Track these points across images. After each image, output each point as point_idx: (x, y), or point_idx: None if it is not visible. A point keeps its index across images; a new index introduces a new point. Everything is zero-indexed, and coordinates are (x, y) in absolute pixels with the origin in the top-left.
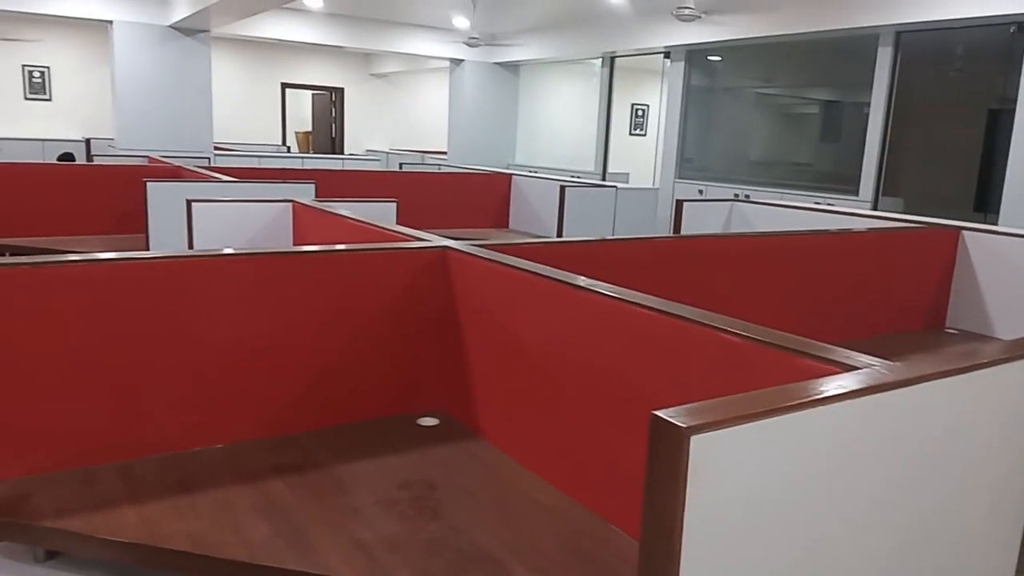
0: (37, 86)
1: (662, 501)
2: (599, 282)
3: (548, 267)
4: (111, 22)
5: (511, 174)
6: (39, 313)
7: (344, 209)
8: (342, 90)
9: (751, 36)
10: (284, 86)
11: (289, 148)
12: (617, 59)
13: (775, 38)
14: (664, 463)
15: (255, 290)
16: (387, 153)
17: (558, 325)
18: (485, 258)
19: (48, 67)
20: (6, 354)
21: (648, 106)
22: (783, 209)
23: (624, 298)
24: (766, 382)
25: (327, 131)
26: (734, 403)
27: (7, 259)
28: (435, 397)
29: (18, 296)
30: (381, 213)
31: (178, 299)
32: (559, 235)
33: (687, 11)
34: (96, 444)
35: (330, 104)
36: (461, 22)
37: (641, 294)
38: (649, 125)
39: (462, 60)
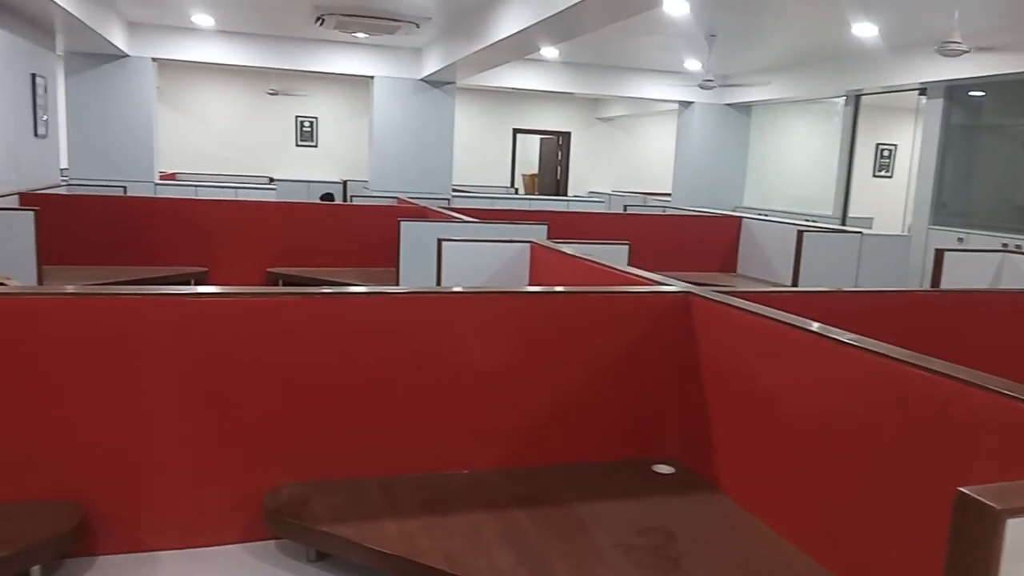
0: (306, 134)
1: None
2: (867, 339)
3: (806, 319)
4: (372, 77)
5: (741, 217)
6: (326, 338)
7: (579, 250)
8: (569, 134)
9: None
10: (515, 131)
11: (517, 190)
12: (863, 96)
13: None
14: (972, 547)
15: (502, 327)
16: (609, 195)
17: (816, 382)
18: (734, 306)
19: (316, 117)
20: (298, 373)
21: (895, 146)
22: None
23: (898, 358)
24: None
25: (552, 173)
26: None
27: (303, 289)
28: (670, 444)
29: (312, 323)
30: (613, 255)
31: (433, 331)
32: (794, 283)
33: (953, 46)
34: (362, 458)
35: (557, 147)
36: (693, 64)
37: (919, 355)
38: (896, 166)
39: (691, 102)
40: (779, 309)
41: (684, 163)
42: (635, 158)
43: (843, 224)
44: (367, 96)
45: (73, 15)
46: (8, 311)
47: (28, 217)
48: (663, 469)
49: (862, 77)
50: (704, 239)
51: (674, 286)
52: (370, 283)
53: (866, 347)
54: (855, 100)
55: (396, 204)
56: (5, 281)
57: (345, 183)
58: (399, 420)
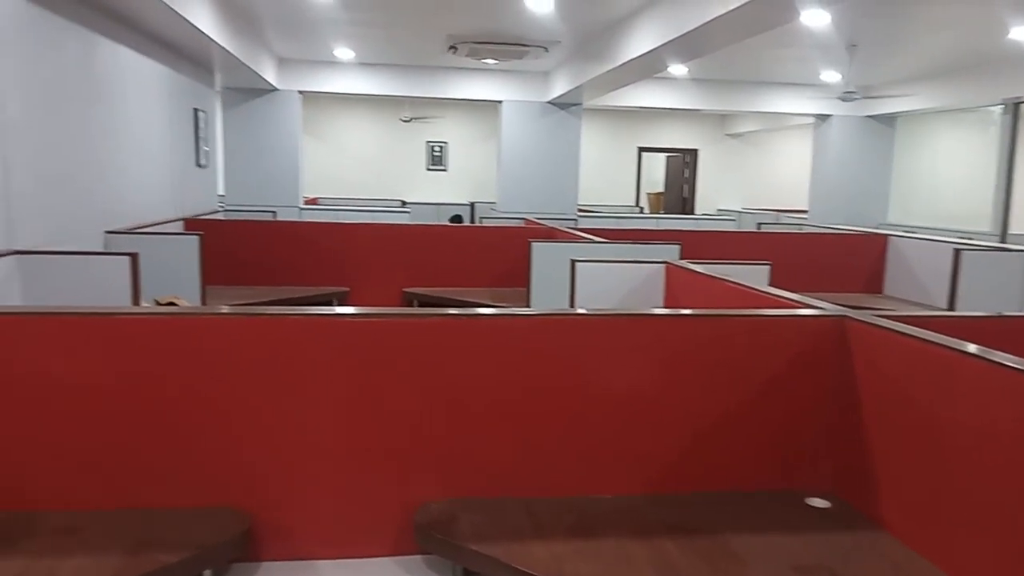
0: (436, 158)
1: None
2: None
3: (980, 346)
4: (501, 102)
5: (887, 235)
6: (475, 358)
7: (716, 271)
8: (696, 151)
9: None
10: (640, 149)
11: (642, 208)
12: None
13: None
14: None
15: (647, 350)
16: (740, 212)
17: (992, 413)
18: (898, 332)
19: (446, 142)
20: (446, 393)
21: None
22: None
23: None
24: None
25: (679, 191)
26: None
27: (451, 310)
28: (825, 477)
29: (462, 343)
30: (753, 275)
31: (578, 353)
32: (950, 306)
33: None
34: (505, 478)
35: (683, 165)
36: (830, 76)
37: None
38: None
39: (829, 115)
40: (941, 334)
41: (821, 179)
42: (766, 174)
43: (1002, 241)
44: (495, 120)
45: (232, 54)
46: (183, 330)
47: (193, 241)
48: (818, 503)
49: (1022, 84)
50: (847, 258)
51: (827, 309)
52: (501, 303)
53: None
54: (1014, 108)
55: (523, 225)
56: (175, 301)
57: (473, 204)
58: (542, 441)
